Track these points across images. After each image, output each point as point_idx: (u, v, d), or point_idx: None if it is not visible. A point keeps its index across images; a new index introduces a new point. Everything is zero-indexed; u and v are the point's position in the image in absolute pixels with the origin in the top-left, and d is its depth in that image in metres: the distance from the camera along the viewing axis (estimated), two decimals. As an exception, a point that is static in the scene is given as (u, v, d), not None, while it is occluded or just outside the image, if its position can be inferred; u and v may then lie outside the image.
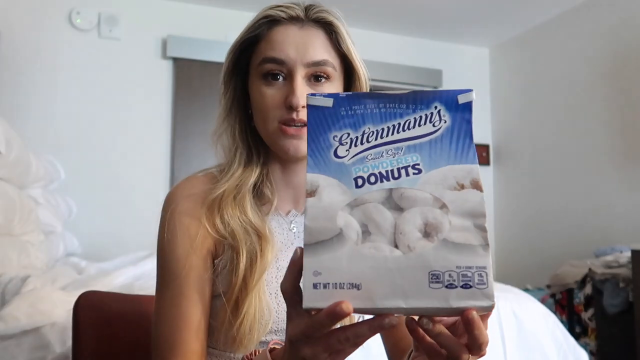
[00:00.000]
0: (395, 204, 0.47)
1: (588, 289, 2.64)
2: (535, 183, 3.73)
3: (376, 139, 0.49)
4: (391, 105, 0.49)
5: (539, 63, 3.74)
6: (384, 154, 0.48)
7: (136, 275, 1.94)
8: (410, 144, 0.48)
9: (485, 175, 4.13)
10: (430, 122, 0.49)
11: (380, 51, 3.84)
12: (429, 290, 0.43)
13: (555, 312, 2.69)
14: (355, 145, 0.49)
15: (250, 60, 0.79)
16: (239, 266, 0.73)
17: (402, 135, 0.49)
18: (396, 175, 0.47)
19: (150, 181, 3.18)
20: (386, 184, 0.47)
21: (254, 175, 0.79)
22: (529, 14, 3.59)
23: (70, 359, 1.22)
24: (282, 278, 0.53)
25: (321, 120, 0.49)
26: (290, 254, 0.68)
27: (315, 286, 0.44)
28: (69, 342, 1.24)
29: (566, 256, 3.23)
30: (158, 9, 3.34)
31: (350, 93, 0.51)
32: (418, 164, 0.48)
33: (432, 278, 0.43)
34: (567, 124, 3.48)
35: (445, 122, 0.49)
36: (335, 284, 0.44)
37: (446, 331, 0.46)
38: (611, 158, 3.15)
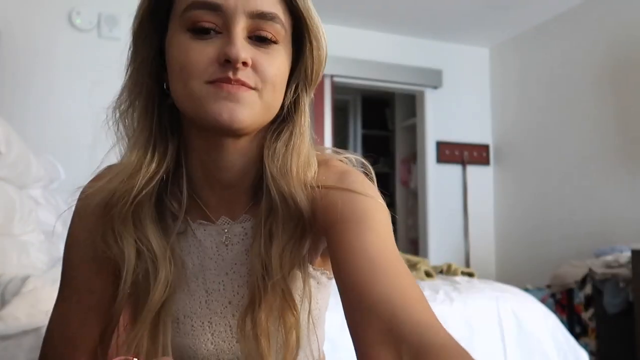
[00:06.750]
0: None
1: (588, 289, 2.63)
2: (535, 183, 3.73)
3: None
4: None
5: (538, 63, 3.74)
6: None
7: (136, 275, 1.94)
8: None
9: (485, 175, 4.13)
10: None
11: (381, 51, 3.84)
12: None
13: (555, 312, 2.69)
14: None
15: (171, 9, 0.59)
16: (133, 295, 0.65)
17: None
18: None
19: (150, 181, 3.17)
20: None
21: (161, 168, 0.62)
22: (529, 14, 3.59)
23: (70, 359, 1.21)
24: (210, 303, 0.60)
25: None
26: (222, 274, 0.66)
27: None
28: (69, 342, 1.23)
29: (566, 256, 3.23)
30: (158, 9, 3.33)
31: None
32: None
33: None
34: (567, 124, 3.48)
35: None
36: None
37: None
38: (611, 158, 3.15)
